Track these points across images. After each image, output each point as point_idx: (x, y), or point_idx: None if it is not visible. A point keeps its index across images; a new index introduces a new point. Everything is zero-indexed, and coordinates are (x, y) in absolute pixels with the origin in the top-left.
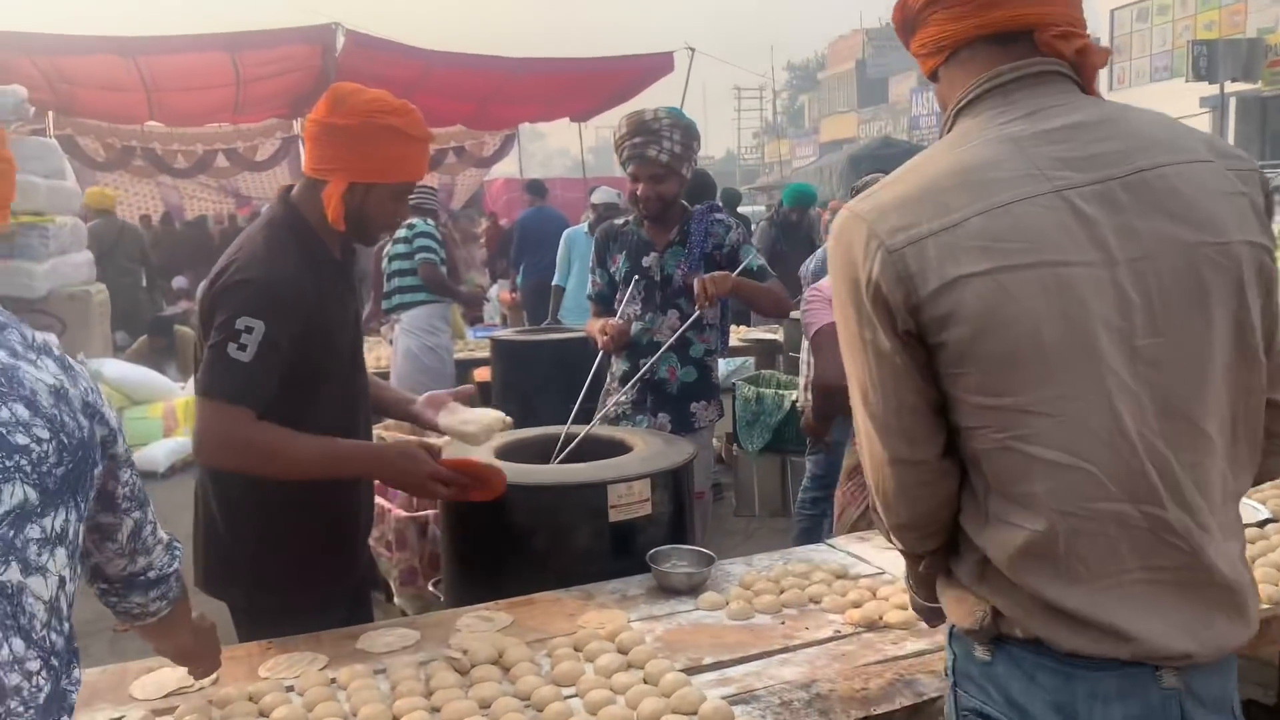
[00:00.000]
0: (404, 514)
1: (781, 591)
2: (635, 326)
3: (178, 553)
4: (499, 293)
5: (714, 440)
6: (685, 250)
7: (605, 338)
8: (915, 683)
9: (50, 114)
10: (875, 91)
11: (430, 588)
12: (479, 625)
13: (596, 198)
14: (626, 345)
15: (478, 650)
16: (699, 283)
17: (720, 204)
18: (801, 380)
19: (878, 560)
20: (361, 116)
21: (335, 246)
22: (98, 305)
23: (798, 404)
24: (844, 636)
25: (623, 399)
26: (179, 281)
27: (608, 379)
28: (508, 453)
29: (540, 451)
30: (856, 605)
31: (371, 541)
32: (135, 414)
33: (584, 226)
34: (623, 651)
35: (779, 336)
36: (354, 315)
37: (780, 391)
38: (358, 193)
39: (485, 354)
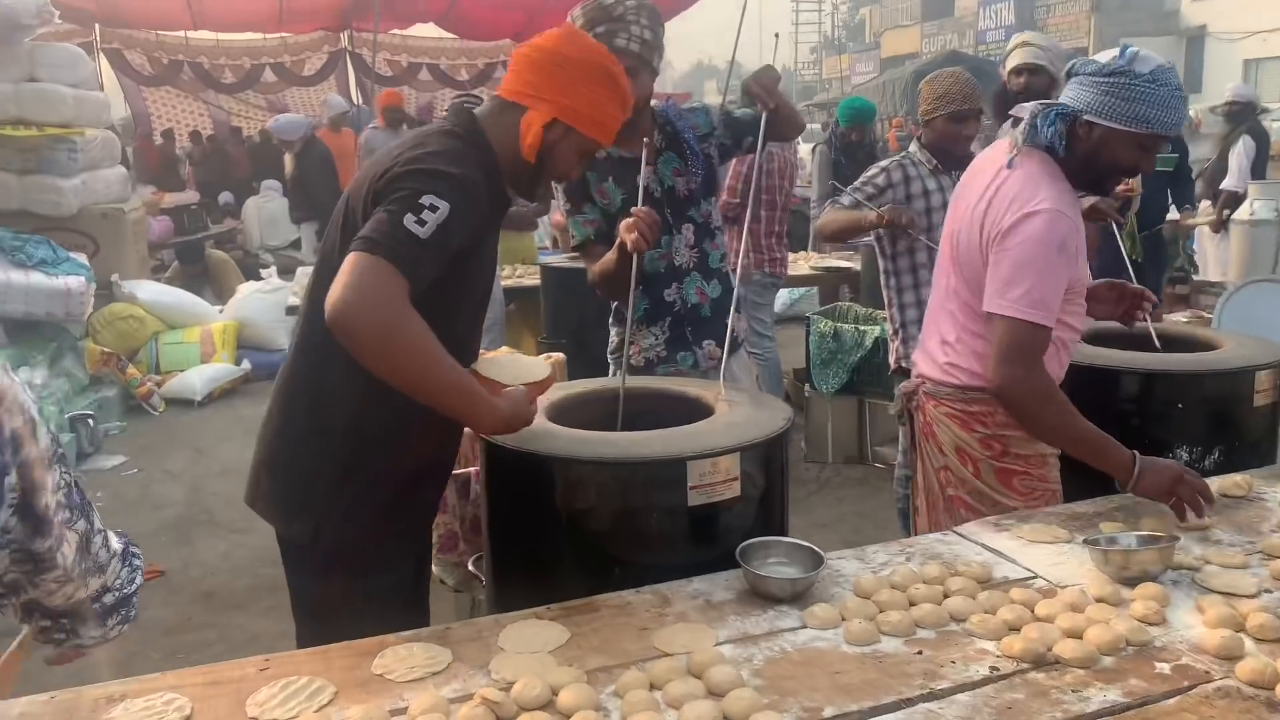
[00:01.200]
0: None
1: (911, 604)
2: (650, 257)
3: (138, 564)
4: (552, 214)
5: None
6: (678, 156)
7: (634, 235)
8: None
9: (97, 27)
10: (940, 3)
11: (470, 566)
12: (527, 641)
13: None
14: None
15: (525, 689)
16: (746, 84)
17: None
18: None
19: (1025, 558)
20: (595, 56)
21: (506, 182)
22: (132, 224)
23: (893, 346)
24: (1004, 677)
25: (655, 341)
26: (225, 198)
27: (615, 325)
28: (558, 414)
29: (598, 412)
30: (1013, 628)
31: None
32: (171, 339)
33: None
34: (715, 692)
35: (855, 264)
36: (490, 267)
37: (861, 327)
38: (556, 131)
39: (536, 281)
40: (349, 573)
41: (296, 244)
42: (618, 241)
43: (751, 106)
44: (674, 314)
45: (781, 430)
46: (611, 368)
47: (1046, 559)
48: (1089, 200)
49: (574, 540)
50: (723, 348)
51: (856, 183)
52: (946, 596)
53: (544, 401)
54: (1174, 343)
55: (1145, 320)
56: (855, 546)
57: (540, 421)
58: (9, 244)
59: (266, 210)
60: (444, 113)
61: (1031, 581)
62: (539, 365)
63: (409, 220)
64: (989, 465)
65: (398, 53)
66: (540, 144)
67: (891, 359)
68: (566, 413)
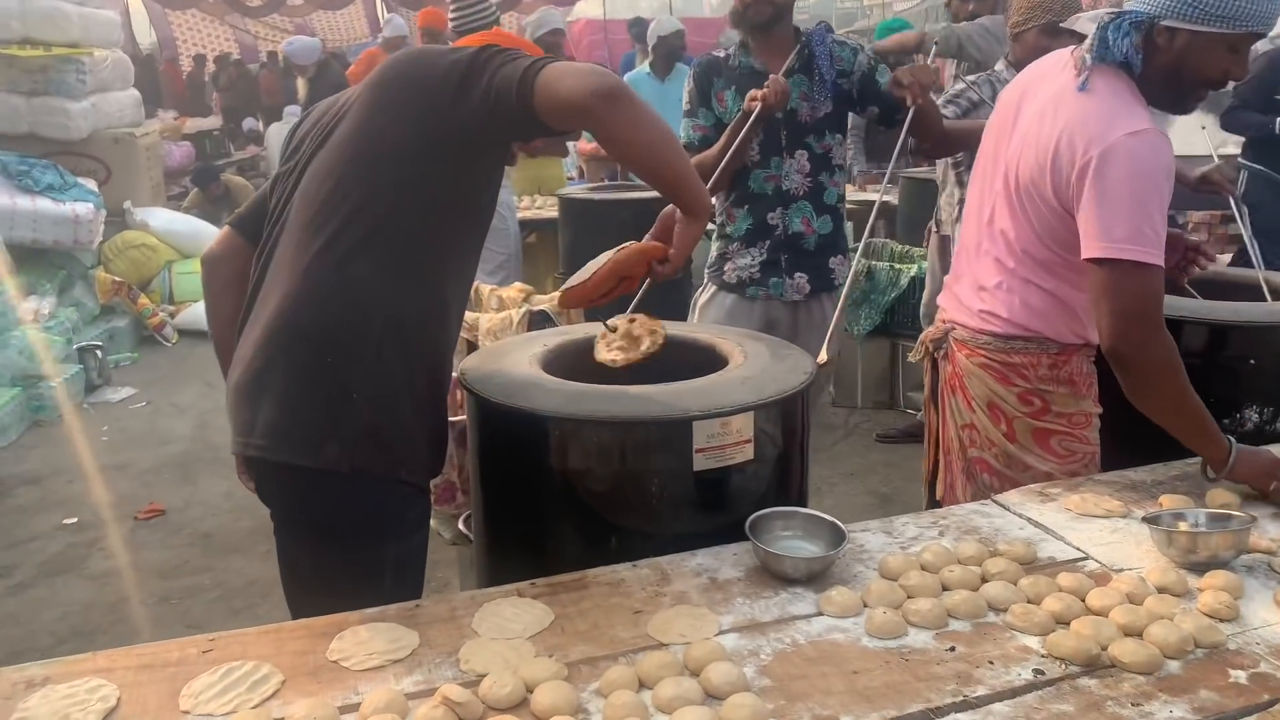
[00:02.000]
0: None
1: (944, 588)
2: (759, 177)
3: None
4: (578, 142)
5: None
6: (808, 79)
7: (760, 99)
8: None
9: None
10: None
11: (461, 526)
12: (504, 623)
13: (658, 29)
14: (781, 106)
15: (495, 686)
16: (898, 74)
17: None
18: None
19: (1075, 535)
20: None
21: None
22: (145, 149)
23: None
24: (1051, 682)
25: (751, 262)
26: (249, 124)
27: (717, 243)
28: (553, 362)
29: (588, 368)
30: (1061, 621)
31: None
32: (184, 268)
33: (645, 68)
34: (713, 695)
35: (892, 198)
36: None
37: (896, 265)
38: None
39: (554, 213)
40: (382, 501)
41: None
42: (730, 124)
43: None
44: (774, 238)
45: (803, 385)
46: (707, 280)
47: (1099, 536)
48: (1198, 169)
49: (568, 504)
50: (815, 284)
51: (941, 99)
52: (984, 580)
53: (536, 348)
54: (1242, 291)
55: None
56: (882, 497)
57: (533, 371)
58: (15, 169)
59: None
60: None
61: (1082, 564)
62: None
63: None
64: (1025, 424)
65: None
66: None
67: None
68: (562, 360)
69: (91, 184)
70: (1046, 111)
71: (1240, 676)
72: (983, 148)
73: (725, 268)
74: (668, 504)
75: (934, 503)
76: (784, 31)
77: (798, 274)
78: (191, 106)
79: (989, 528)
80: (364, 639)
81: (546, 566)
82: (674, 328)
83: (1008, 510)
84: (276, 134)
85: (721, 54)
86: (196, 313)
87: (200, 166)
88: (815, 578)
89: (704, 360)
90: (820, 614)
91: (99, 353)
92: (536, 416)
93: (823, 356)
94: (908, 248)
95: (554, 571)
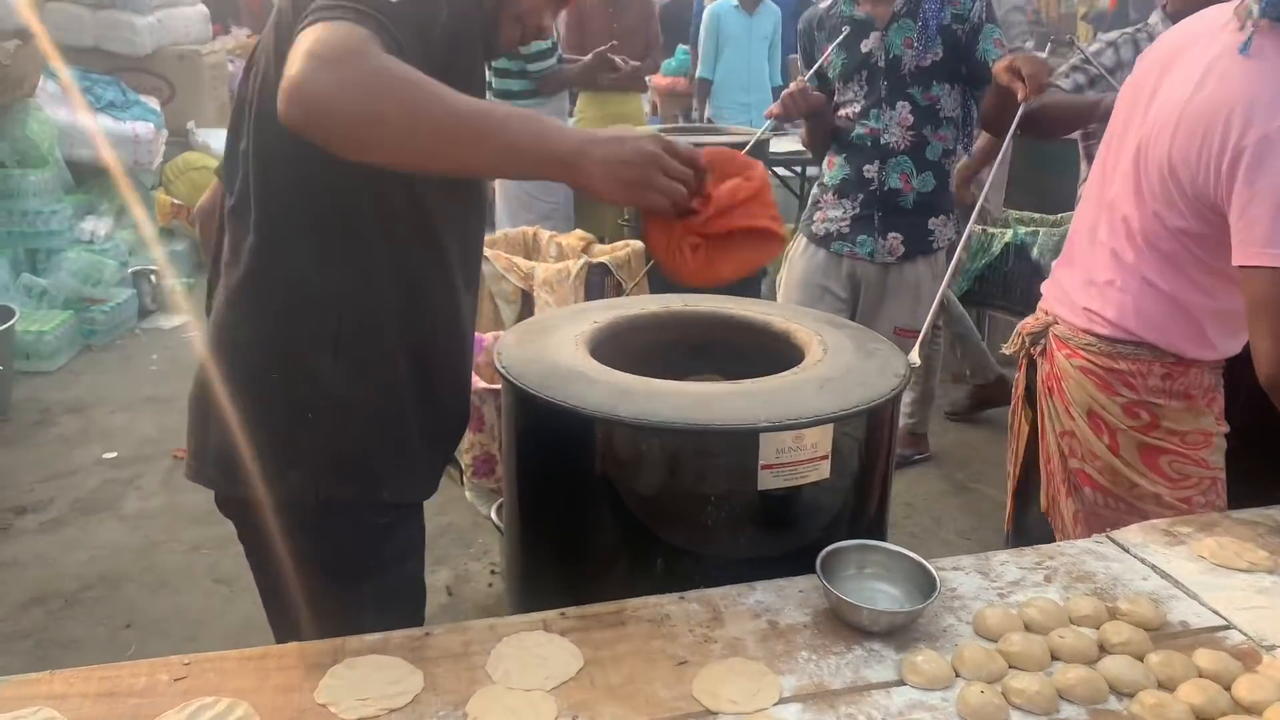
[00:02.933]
0: (482, 385)
1: (1053, 656)
2: (857, 129)
3: None
4: (653, 76)
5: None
6: (913, 24)
7: (773, 114)
8: None
9: None
10: None
11: (493, 515)
12: (524, 670)
13: None
14: (808, 114)
15: None
16: (1008, 63)
17: None
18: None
19: (1213, 595)
20: None
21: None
22: (210, 68)
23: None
24: None
25: (842, 215)
26: None
27: (815, 189)
28: (599, 343)
29: (655, 339)
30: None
31: None
32: None
33: (732, 0)
34: None
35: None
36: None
37: (990, 230)
38: None
39: None
40: (357, 533)
41: None
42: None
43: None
44: (868, 192)
45: (893, 392)
46: (798, 231)
47: (1242, 598)
48: None
49: (610, 514)
50: (911, 246)
51: (1072, 62)
52: (1103, 650)
53: (584, 327)
54: None
55: None
56: (958, 485)
57: (579, 355)
58: (79, 84)
59: None
60: None
61: (1223, 635)
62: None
63: None
64: (1130, 438)
65: None
66: None
67: None
68: (613, 341)
69: (154, 102)
70: (1199, 78)
71: None
72: (1115, 114)
73: (815, 217)
74: (724, 524)
75: (1017, 517)
76: None
77: (891, 234)
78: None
79: (1105, 575)
80: (359, 677)
81: (581, 580)
82: (743, 306)
83: (1127, 553)
84: None
85: (826, 3)
86: None
87: None
88: (896, 631)
89: (776, 350)
90: (902, 683)
91: (153, 278)
92: (578, 415)
93: (914, 357)
94: (1006, 211)
95: (589, 585)
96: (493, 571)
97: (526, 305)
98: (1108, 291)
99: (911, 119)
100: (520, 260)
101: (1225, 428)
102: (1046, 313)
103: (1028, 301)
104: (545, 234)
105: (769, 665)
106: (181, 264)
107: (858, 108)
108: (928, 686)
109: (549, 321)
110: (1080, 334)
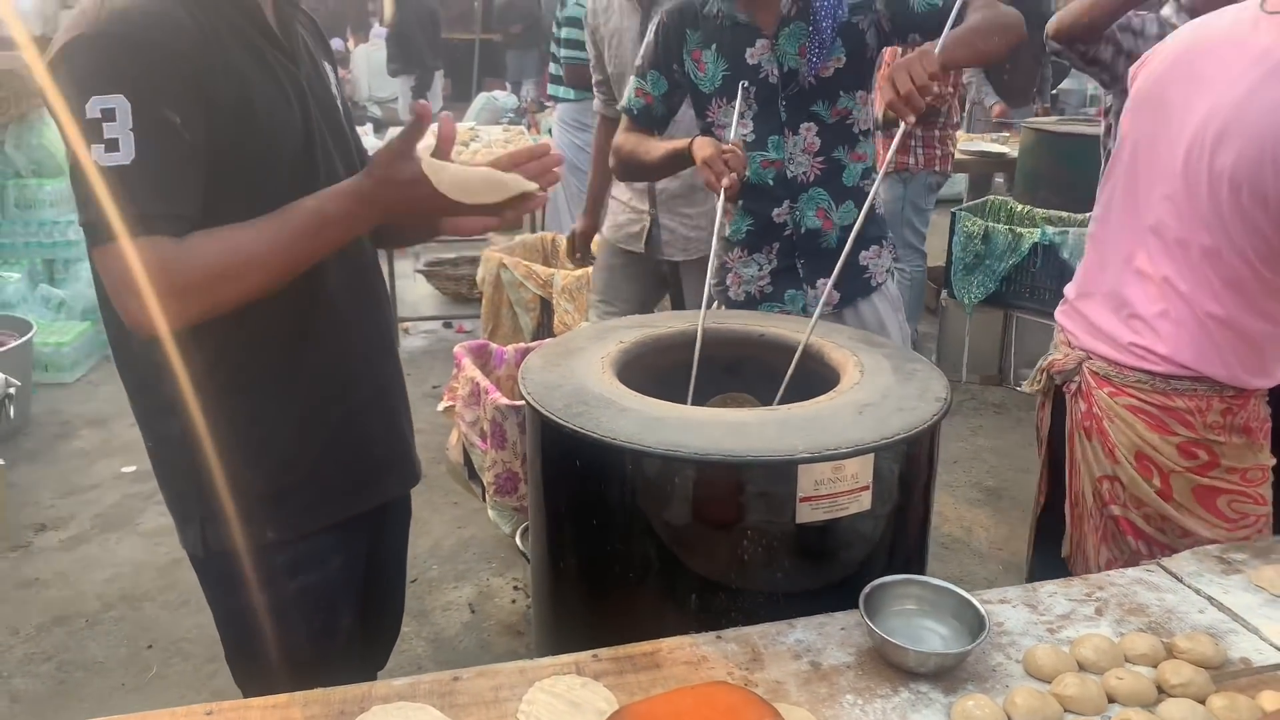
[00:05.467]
0: (504, 401)
1: (1110, 699)
2: (753, 165)
3: None
4: None
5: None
6: (806, 29)
7: (721, 178)
8: None
9: None
10: None
11: (518, 540)
12: (557, 719)
13: None
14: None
15: None
16: (884, 82)
17: None
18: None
19: (1272, 629)
20: None
21: None
22: None
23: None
24: None
25: (758, 272)
26: (336, 44)
27: (714, 247)
28: (629, 365)
29: (683, 359)
30: None
31: (465, 426)
32: None
33: None
34: None
35: (1008, 149)
36: (314, 100)
37: (1016, 229)
38: None
39: None
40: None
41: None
42: (688, 144)
43: None
44: (783, 239)
45: (936, 417)
46: (713, 299)
47: None
48: None
49: (641, 548)
50: (848, 290)
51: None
52: (1161, 691)
53: (609, 348)
54: None
55: None
56: (990, 492)
57: (605, 378)
58: None
59: (375, 59)
60: None
61: None
62: (514, 181)
63: (98, 155)
64: (1185, 480)
65: None
66: None
67: None
68: (640, 362)
69: None
70: (1248, 85)
71: None
72: (1130, 134)
73: (728, 282)
74: (760, 558)
75: (1040, 542)
76: None
77: (820, 280)
78: None
79: (1159, 607)
80: None
81: (612, 616)
82: (772, 324)
83: (1181, 583)
84: (363, 56)
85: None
86: None
87: None
88: (944, 673)
89: (810, 369)
90: None
91: None
92: (602, 445)
93: None
94: (1029, 208)
95: (621, 621)
96: (515, 588)
97: (546, 313)
98: (1159, 324)
99: (818, 142)
100: (539, 267)
101: (1274, 460)
102: (1071, 346)
103: (1054, 301)
104: (564, 238)
105: (813, 710)
106: None
107: (748, 130)
108: None
109: (574, 342)
110: (1127, 371)
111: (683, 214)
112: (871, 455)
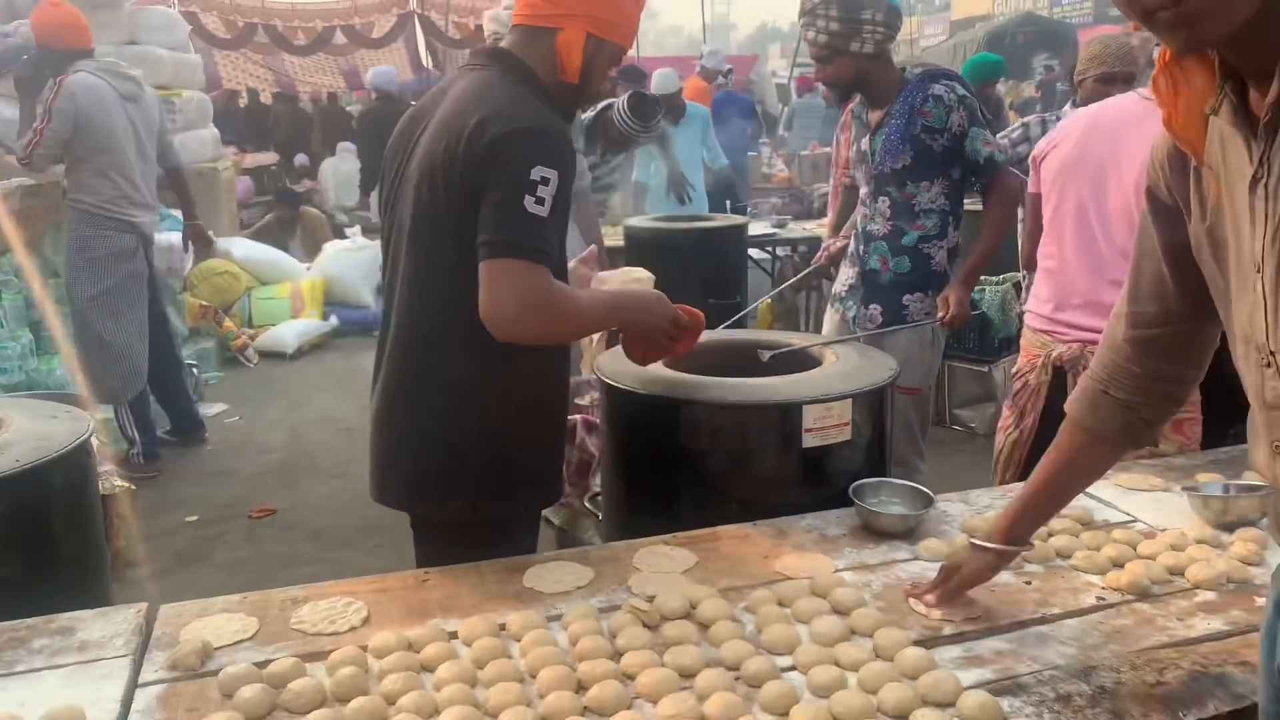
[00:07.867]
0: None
1: None
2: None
3: None
4: None
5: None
6: (887, 131)
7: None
8: (1226, 680)
9: None
10: None
11: (585, 503)
12: (659, 563)
13: (657, 85)
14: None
15: (666, 601)
16: (941, 302)
17: (951, 72)
18: None
19: (1125, 503)
20: None
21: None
22: (225, 182)
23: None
24: (1111, 606)
25: (845, 279)
26: (300, 159)
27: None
28: (675, 361)
29: (711, 361)
30: (1117, 564)
31: None
32: (263, 294)
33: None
34: (839, 611)
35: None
36: None
37: (999, 285)
38: (590, 46)
39: (620, 243)
40: (496, 540)
41: (367, 205)
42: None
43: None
44: (858, 265)
45: (889, 380)
46: (830, 310)
47: (1145, 505)
48: None
49: (693, 479)
50: (888, 318)
51: (996, 137)
52: (1050, 536)
53: None
54: None
55: None
56: None
57: (659, 367)
58: None
59: (342, 171)
60: (471, 60)
61: (1132, 524)
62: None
63: (529, 203)
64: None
65: (466, 15)
66: (582, 62)
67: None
68: (675, 363)
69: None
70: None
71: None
72: (1066, 183)
73: (836, 274)
74: (779, 477)
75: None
76: (887, 85)
77: (872, 305)
78: (252, 141)
79: None
80: (552, 570)
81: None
82: (775, 336)
83: None
84: (330, 169)
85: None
86: (275, 336)
87: (284, 189)
88: (910, 533)
89: (802, 363)
90: (917, 559)
91: (194, 370)
92: (667, 401)
93: None
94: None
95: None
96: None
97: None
98: None
99: (889, 211)
100: None
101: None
102: (1080, 343)
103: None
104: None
105: (826, 555)
106: (212, 360)
107: (865, 196)
108: (935, 558)
109: None
110: None
111: None
112: (850, 400)
